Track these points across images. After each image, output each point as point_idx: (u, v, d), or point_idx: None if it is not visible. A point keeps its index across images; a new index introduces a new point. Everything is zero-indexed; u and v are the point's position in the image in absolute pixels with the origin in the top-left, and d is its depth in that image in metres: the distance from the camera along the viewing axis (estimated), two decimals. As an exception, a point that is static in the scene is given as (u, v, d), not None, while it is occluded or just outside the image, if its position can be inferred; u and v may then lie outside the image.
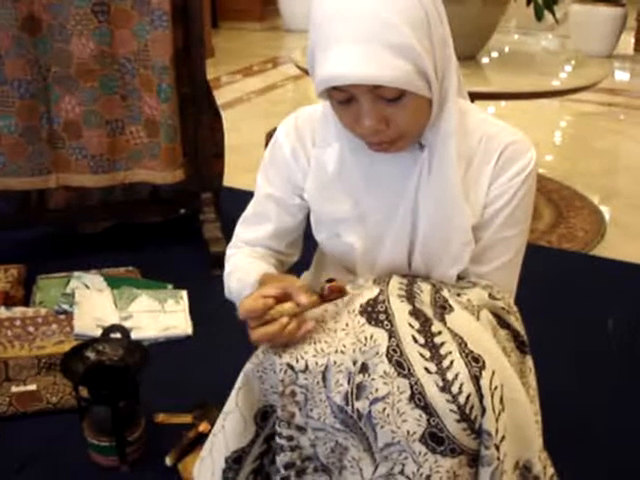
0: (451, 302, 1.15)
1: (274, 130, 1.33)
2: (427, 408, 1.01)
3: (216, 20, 7.07)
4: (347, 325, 1.10)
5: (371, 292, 1.15)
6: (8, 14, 2.21)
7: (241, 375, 1.15)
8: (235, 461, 1.17)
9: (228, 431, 1.17)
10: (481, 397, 1.00)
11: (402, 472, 1.04)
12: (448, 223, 1.19)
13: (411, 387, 1.02)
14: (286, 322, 1.07)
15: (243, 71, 5.85)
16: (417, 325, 1.07)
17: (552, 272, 2.56)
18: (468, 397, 1.00)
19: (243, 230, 1.39)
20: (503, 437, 1.01)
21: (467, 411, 1.00)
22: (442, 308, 1.14)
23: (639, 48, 6.53)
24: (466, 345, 1.04)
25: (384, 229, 1.23)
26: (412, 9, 1.02)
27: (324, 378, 1.06)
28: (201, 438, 1.68)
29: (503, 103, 4.57)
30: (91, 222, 2.76)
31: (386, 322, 1.08)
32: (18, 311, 2.14)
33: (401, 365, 1.03)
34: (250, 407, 1.15)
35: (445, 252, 1.21)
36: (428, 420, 1.01)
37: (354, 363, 1.06)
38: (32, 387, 1.85)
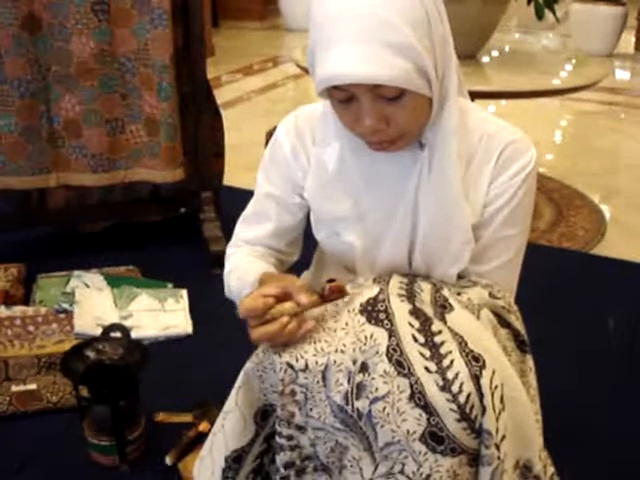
0: (451, 301, 1.15)
1: (274, 129, 1.33)
2: (427, 407, 1.01)
3: (216, 19, 7.07)
4: (347, 324, 1.09)
5: (371, 291, 1.14)
6: (8, 13, 2.20)
7: (241, 374, 1.15)
8: (235, 460, 1.17)
9: (228, 430, 1.17)
10: (481, 396, 1.00)
11: (402, 471, 1.04)
12: (448, 222, 1.19)
13: (411, 386, 1.02)
14: (286, 321, 1.07)
15: (243, 70, 5.85)
16: (417, 324, 1.07)
17: (552, 271, 2.56)
18: (468, 396, 1.00)
19: (243, 229, 1.39)
20: (503, 436, 1.01)
21: (467, 410, 1.00)
22: (442, 307, 1.13)
23: (639, 47, 6.52)
24: (466, 344, 1.04)
25: (384, 228, 1.23)
26: (412, 8, 1.02)
27: (324, 377, 1.06)
28: (201, 437, 1.68)
29: (503, 102, 4.57)
30: (91, 221, 2.76)
31: (386, 321, 1.08)
32: (18, 310, 2.14)
33: (401, 364, 1.03)
34: (250, 406, 1.15)
35: (445, 251, 1.21)
36: (428, 419, 1.01)
37: (354, 362, 1.05)
38: (32, 386, 1.85)
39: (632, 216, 3.17)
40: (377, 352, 1.05)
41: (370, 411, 1.03)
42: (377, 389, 1.03)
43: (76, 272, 2.38)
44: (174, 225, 2.81)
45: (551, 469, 1.13)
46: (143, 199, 2.67)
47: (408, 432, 1.01)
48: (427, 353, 1.04)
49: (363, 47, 1.00)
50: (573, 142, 4.49)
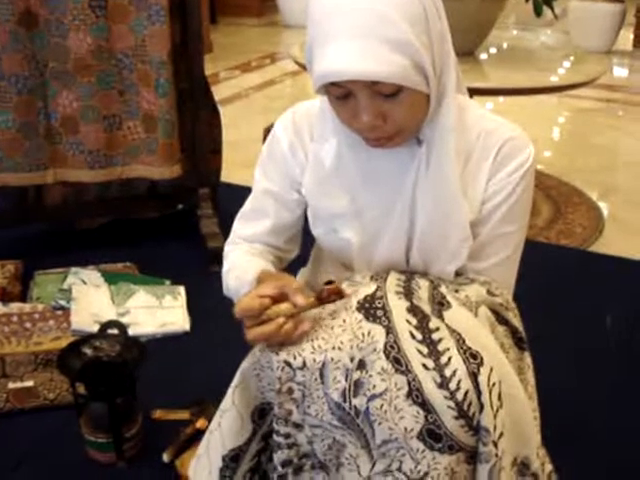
0: (449, 298, 1.15)
1: (272, 126, 1.33)
2: (425, 405, 1.00)
3: (214, 15, 7.06)
4: (344, 321, 1.09)
5: (368, 288, 1.14)
6: (5, 9, 2.20)
7: (238, 373, 1.14)
8: (232, 459, 1.17)
9: (225, 429, 1.16)
10: (479, 394, 1.00)
11: (400, 469, 1.03)
12: (446, 219, 1.19)
13: (409, 383, 1.01)
14: (282, 322, 1.06)
15: (241, 67, 5.85)
16: (415, 321, 1.07)
17: (550, 268, 2.56)
18: (466, 393, 1.00)
19: (241, 226, 1.38)
20: (501, 434, 1.01)
21: (465, 408, 0.99)
22: (440, 304, 1.13)
23: (638, 44, 6.52)
24: (464, 341, 1.04)
25: (381, 225, 1.23)
26: (410, 4, 1.02)
27: (321, 375, 1.06)
28: (198, 434, 1.67)
29: (501, 99, 4.56)
30: (88, 218, 2.75)
31: (384, 318, 1.08)
32: (15, 307, 2.13)
33: (399, 361, 1.03)
34: (247, 405, 1.15)
35: (443, 248, 1.21)
36: (426, 417, 1.00)
37: (351, 360, 1.05)
38: (29, 383, 1.84)
39: (630, 213, 3.17)
40: (375, 349, 1.04)
41: (368, 408, 1.03)
42: (375, 386, 1.03)
43: (73, 269, 2.38)
44: (171, 222, 2.80)
45: (549, 466, 1.12)
46: (140, 195, 2.66)
47: (406, 429, 1.01)
48: (425, 350, 1.03)
49: (360, 43, 1.00)
50: (571, 139, 4.49)
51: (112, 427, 1.63)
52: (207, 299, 1.97)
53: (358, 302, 1.11)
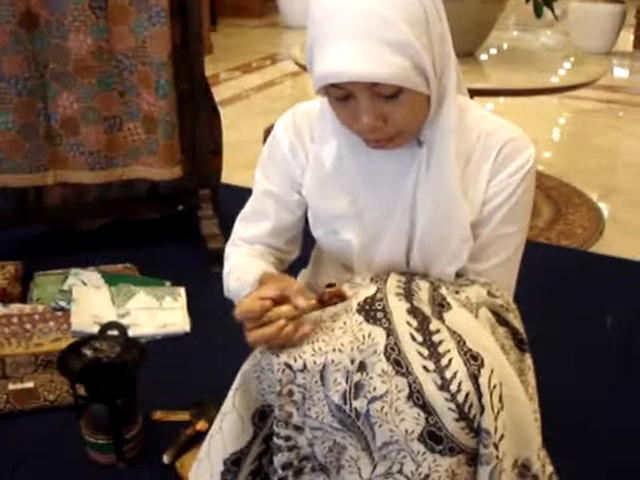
0: (449, 300, 1.14)
1: (272, 127, 1.33)
2: (425, 407, 1.00)
3: (215, 17, 7.04)
4: (345, 323, 1.09)
5: (369, 290, 1.14)
6: (5, 10, 2.20)
7: (238, 376, 1.14)
8: (234, 463, 1.16)
9: (226, 432, 1.16)
10: (480, 395, 1.00)
11: (401, 471, 1.03)
12: (447, 220, 1.18)
13: (409, 385, 1.01)
14: (283, 324, 1.06)
15: (242, 68, 5.84)
16: (415, 323, 1.07)
17: (551, 269, 2.56)
18: (467, 395, 0.99)
19: (242, 227, 1.38)
20: (502, 436, 1.01)
21: (466, 410, 0.99)
22: (440, 306, 1.13)
23: (638, 45, 6.52)
24: (465, 343, 1.04)
25: (382, 226, 1.23)
26: (410, 6, 1.01)
27: (322, 377, 1.06)
28: (199, 436, 1.67)
29: (502, 100, 4.56)
30: (89, 219, 2.75)
31: (384, 320, 1.08)
32: (15, 308, 2.13)
33: (399, 363, 1.03)
34: (247, 407, 1.15)
35: (444, 249, 1.21)
36: (426, 419, 1.00)
37: (352, 362, 1.05)
38: (29, 384, 1.84)
39: (630, 214, 3.17)
40: (375, 351, 1.04)
41: (368, 410, 1.03)
42: (375, 388, 1.03)
43: (73, 270, 2.38)
44: (172, 223, 2.80)
45: (550, 468, 1.12)
46: (141, 197, 2.66)
47: (406, 432, 1.01)
48: (425, 352, 1.03)
49: (360, 44, 1.00)
50: (571, 140, 4.49)
51: (112, 428, 1.63)
52: (207, 300, 1.97)
53: (358, 304, 1.11)
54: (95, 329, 1.86)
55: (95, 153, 2.45)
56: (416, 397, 1.01)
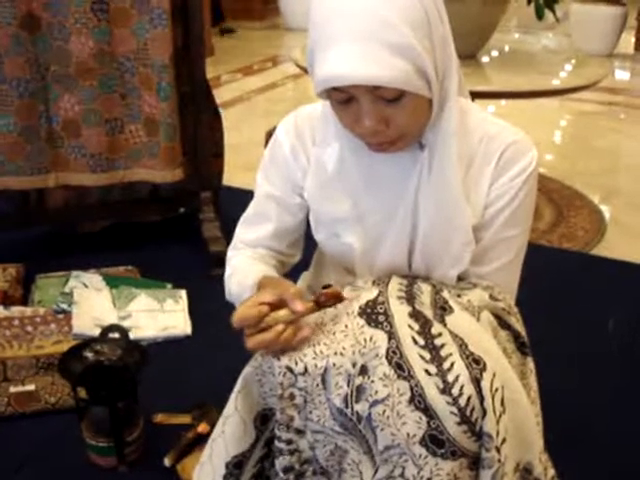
0: (451, 303, 1.14)
1: (274, 129, 1.33)
2: (427, 410, 1.00)
3: (218, 19, 7.03)
4: (346, 327, 1.09)
5: (370, 293, 1.14)
6: (7, 12, 2.20)
7: (240, 379, 1.14)
8: (236, 466, 1.16)
9: (228, 435, 1.16)
10: (482, 399, 1.00)
11: (402, 475, 1.03)
12: (449, 223, 1.18)
13: (411, 389, 1.01)
14: (281, 329, 1.06)
15: (243, 70, 5.84)
16: (417, 327, 1.07)
17: (552, 272, 2.56)
18: (469, 399, 0.99)
19: (244, 230, 1.38)
20: (504, 439, 1.01)
21: (468, 413, 0.99)
22: (442, 309, 1.13)
23: (639, 47, 6.51)
24: (467, 347, 1.04)
25: (384, 229, 1.23)
26: (412, 8, 1.01)
27: (323, 380, 1.06)
28: (200, 439, 1.67)
29: (503, 102, 4.56)
30: (90, 221, 2.75)
31: (385, 323, 1.07)
32: (16, 310, 2.13)
33: (401, 367, 1.02)
34: (249, 411, 1.14)
35: (445, 253, 1.20)
36: (428, 422, 1.00)
37: (353, 365, 1.05)
38: (30, 387, 1.84)
39: (632, 216, 3.16)
40: (377, 355, 1.04)
41: (370, 414, 1.03)
42: (377, 392, 1.02)
43: (75, 272, 2.38)
44: (173, 225, 2.80)
45: (551, 471, 1.12)
46: (142, 199, 2.66)
47: (408, 435, 1.01)
48: (427, 356, 1.03)
49: (362, 47, 0.99)
50: (573, 142, 4.49)
51: (113, 431, 1.63)
52: (209, 303, 1.97)
53: (360, 307, 1.11)
54: (96, 332, 1.85)
55: (96, 155, 2.45)
56: (418, 401, 1.01)
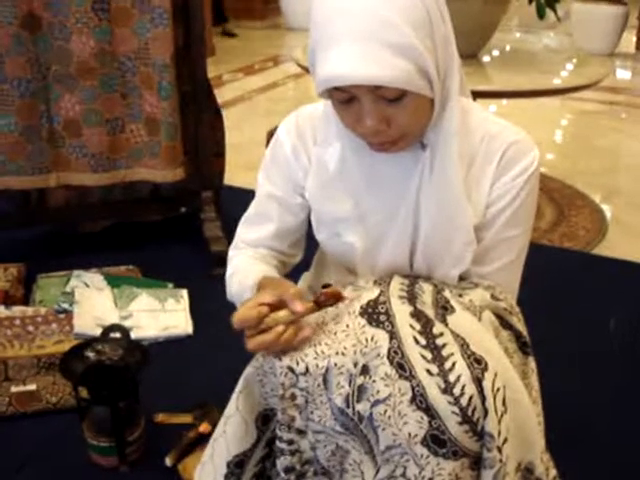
0: (453, 303, 1.14)
1: (275, 128, 1.32)
2: (429, 410, 1.00)
3: (220, 19, 7.02)
4: (348, 326, 1.09)
5: (372, 293, 1.14)
6: (8, 12, 2.20)
7: (241, 379, 1.14)
8: (237, 465, 1.16)
9: (229, 435, 1.16)
10: (483, 399, 0.99)
11: (404, 475, 1.03)
12: (450, 223, 1.18)
13: (412, 389, 1.01)
14: (282, 330, 1.06)
15: (244, 69, 5.84)
16: (418, 326, 1.07)
17: (554, 271, 2.55)
18: (470, 399, 0.99)
19: (245, 230, 1.38)
20: (505, 439, 1.00)
21: (469, 413, 0.99)
22: (444, 309, 1.13)
23: (640, 46, 6.53)
24: (468, 346, 1.04)
25: (385, 229, 1.22)
26: (413, 8, 1.01)
27: (325, 380, 1.06)
28: (201, 438, 1.67)
29: (504, 101, 4.56)
30: (91, 221, 2.75)
31: (387, 323, 1.07)
32: (18, 310, 2.13)
33: (402, 367, 1.02)
34: (251, 411, 1.14)
35: (447, 252, 1.20)
36: (430, 422, 1.00)
37: (355, 365, 1.05)
38: (32, 387, 1.84)
39: (633, 216, 3.16)
40: (378, 354, 1.04)
41: (371, 414, 1.03)
42: (378, 392, 1.02)
43: (76, 272, 2.38)
44: (174, 225, 2.80)
45: (553, 471, 1.12)
46: (143, 199, 2.66)
47: (409, 435, 1.01)
48: (428, 355, 1.03)
49: (363, 47, 0.99)
50: (574, 142, 4.48)
51: (114, 431, 1.63)
52: (210, 302, 1.97)
53: (361, 307, 1.11)
54: (98, 331, 1.85)
55: (97, 155, 2.45)
56: (419, 400, 1.01)
